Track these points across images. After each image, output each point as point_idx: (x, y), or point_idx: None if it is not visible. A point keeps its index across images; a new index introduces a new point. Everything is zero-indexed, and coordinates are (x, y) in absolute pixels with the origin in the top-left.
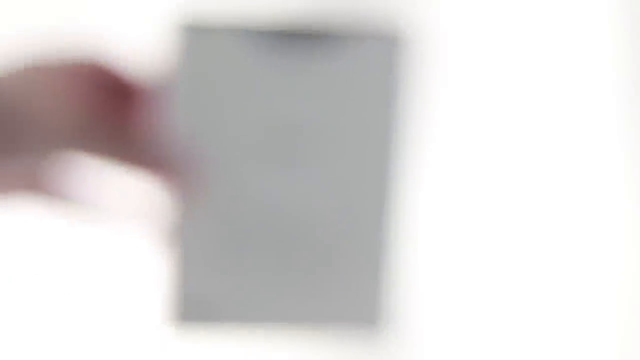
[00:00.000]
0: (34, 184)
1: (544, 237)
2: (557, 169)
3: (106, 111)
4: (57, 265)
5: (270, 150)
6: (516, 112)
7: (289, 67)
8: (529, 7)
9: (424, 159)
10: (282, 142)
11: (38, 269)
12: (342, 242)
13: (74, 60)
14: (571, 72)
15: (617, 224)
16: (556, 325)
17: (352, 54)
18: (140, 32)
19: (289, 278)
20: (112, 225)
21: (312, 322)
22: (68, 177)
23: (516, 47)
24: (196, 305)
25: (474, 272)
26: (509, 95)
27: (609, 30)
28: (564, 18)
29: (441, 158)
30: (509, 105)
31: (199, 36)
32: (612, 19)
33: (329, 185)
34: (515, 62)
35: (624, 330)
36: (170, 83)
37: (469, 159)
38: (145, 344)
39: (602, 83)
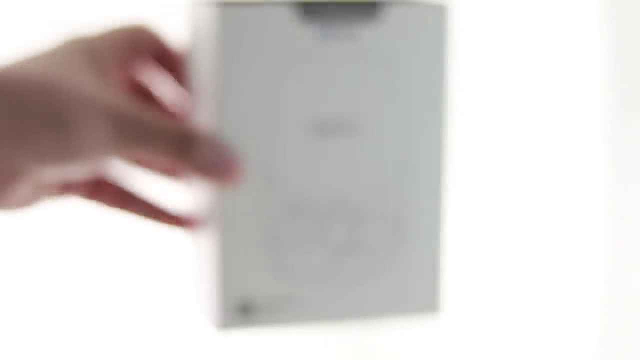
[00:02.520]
0: (82, 187)
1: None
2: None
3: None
4: (99, 265)
5: (319, 128)
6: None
7: (333, 39)
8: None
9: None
10: (330, 118)
11: (83, 268)
12: (399, 227)
13: (119, 30)
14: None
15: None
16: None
17: (398, 21)
18: (168, 10)
19: (344, 273)
20: (153, 224)
21: (373, 315)
22: (113, 178)
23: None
24: (243, 310)
25: (508, 251)
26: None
27: (598, 27)
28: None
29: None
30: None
31: (235, 12)
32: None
33: (383, 158)
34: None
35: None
36: (202, 63)
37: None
38: (187, 349)
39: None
